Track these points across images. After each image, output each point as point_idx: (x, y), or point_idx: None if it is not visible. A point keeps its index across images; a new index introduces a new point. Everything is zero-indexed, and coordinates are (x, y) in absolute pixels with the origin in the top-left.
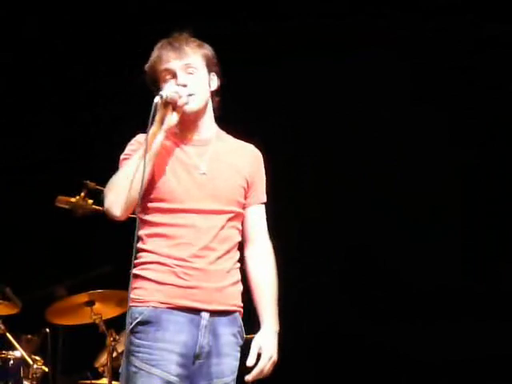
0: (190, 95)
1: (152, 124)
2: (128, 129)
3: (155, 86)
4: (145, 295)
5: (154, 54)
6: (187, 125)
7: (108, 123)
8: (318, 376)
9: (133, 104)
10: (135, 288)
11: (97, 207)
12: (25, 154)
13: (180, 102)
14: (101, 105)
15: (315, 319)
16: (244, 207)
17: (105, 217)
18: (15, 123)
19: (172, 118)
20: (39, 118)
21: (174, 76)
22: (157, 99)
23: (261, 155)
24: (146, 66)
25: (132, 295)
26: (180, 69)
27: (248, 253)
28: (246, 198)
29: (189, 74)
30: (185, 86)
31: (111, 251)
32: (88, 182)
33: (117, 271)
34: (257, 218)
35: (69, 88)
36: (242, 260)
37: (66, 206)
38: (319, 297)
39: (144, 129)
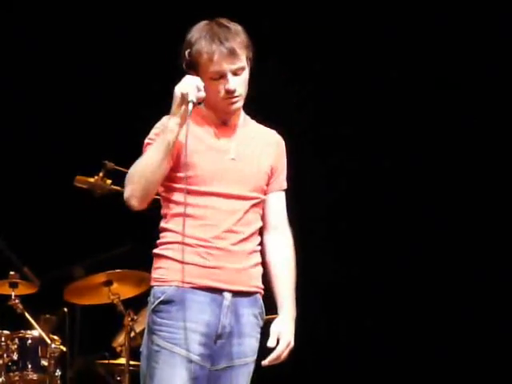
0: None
1: (188, 125)
2: (147, 110)
3: (192, 72)
4: (167, 275)
5: (201, 44)
6: (218, 110)
7: (128, 103)
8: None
9: (152, 87)
10: (157, 268)
11: (115, 187)
12: (44, 134)
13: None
14: (120, 86)
15: None
16: (265, 193)
17: (122, 197)
18: (35, 103)
19: (189, 108)
20: (59, 98)
21: (223, 77)
22: (191, 106)
23: (283, 141)
24: (189, 53)
25: (154, 275)
26: (231, 72)
27: (268, 238)
28: (268, 184)
29: (237, 75)
30: (235, 90)
31: (129, 231)
32: (107, 162)
33: (135, 251)
34: (278, 204)
35: (90, 69)
36: (261, 245)
37: (85, 186)
38: None
39: (163, 113)
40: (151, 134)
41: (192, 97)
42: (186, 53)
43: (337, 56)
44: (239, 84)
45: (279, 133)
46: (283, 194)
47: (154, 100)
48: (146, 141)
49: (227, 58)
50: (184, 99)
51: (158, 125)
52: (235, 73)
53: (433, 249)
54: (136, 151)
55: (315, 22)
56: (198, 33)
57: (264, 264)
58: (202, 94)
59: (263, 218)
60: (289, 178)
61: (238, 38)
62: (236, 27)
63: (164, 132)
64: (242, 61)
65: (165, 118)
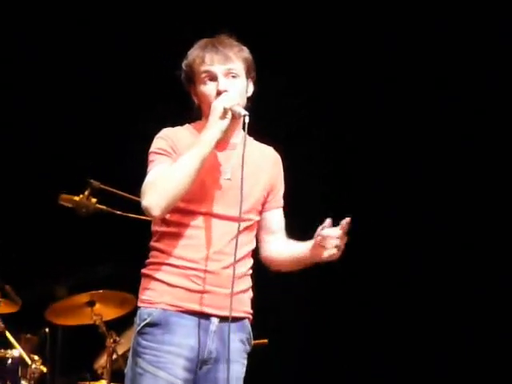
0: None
1: (245, 145)
2: (132, 128)
3: (190, 84)
4: (154, 296)
5: (195, 52)
6: None
7: (112, 121)
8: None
9: (139, 106)
10: (145, 288)
11: (100, 206)
12: (28, 151)
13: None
14: (107, 105)
15: None
16: (261, 214)
17: (108, 216)
18: (19, 119)
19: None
20: (43, 115)
21: (214, 79)
22: (247, 119)
23: (280, 158)
24: (184, 64)
25: (141, 295)
26: (222, 73)
27: (269, 241)
28: (265, 203)
29: (230, 78)
30: (225, 91)
31: (114, 251)
32: (92, 180)
33: (119, 271)
34: (277, 222)
35: (73, 85)
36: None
37: (70, 205)
38: None
39: (150, 133)
40: (159, 145)
41: (241, 110)
42: (183, 65)
43: (336, 70)
44: (233, 89)
45: (276, 148)
46: (281, 211)
47: (141, 120)
48: (155, 150)
49: (219, 59)
50: (226, 113)
51: (164, 136)
52: (228, 76)
53: (433, 253)
54: (122, 170)
55: (312, 35)
56: (196, 45)
57: (272, 262)
58: (244, 111)
59: (261, 234)
60: (286, 194)
61: (235, 48)
62: (239, 43)
63: (199, 144)
64: (236, 65)
65: (168, 131)
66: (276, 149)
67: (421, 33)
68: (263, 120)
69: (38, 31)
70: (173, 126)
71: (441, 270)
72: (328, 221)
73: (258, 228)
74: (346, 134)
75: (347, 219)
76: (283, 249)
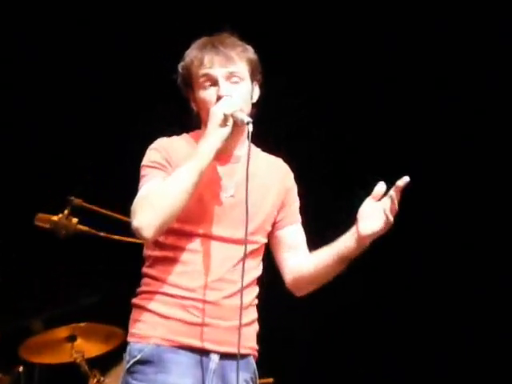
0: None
1: (249, 157)
2: (132, 128)
3: (188, 89)
4: (146, 330)
5: (193, 53)
6: None
7: (94, 134)
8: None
9: (136, 102)
10: (136, 321)
11: (82, 227)
12: (2, 166)
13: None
14: (105, 103)
15: None
16: (275, 231)
17: (91, 238)
18: (18, 119)
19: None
20: (20, 126)
21: (214, 84)
22: (251, 128)
23: (290, 171)
24: (181, 66)
25: (132, 329)
26: (223, 77)
27: (288, 257)
28: (276, 221)
29: (232, 83)
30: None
31: (98, 278)
32: (73, 198)
33: (104, 302)
34: (296, 236)
35: (73, 85)
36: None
37: (47, 226)
38: None
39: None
40: (152, 158)
41: (244, 116)
42: (179, 67)
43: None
44: (237, 94)
45: (276, 148)
46: (300, 227)
47: (141, 120)
48: (147, 164)
49: (219, 60)
50: (226, 120)
51: (159, 147)
52: (231, 80)
53: (433, 253)
54: (106, 187)
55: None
56: (194, 45)
57: (299, 280)
58: (248, 118)
59: (279, 256)
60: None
61: (238, 47)
62: (242, 43)
63: (196, 156)
64: (239, 68)
65: (163, 141)
66: (276, 148)
67: (421, 33)
68: (263, 120)
69: (38, 31)
70: (173, 126)
71: (441, 270)
72: (381, 183)
73: (275, 250)
74: (345, 134)
75: (405, 178)
76: (309, 260)
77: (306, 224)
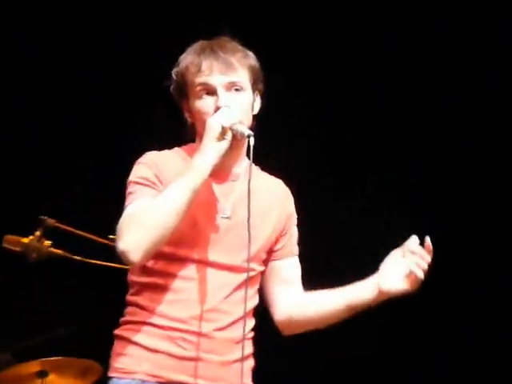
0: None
1: (250, 173)
2: (114, 142)
3: (182, 98)
4: (130, 364)
5: (189, 58)
6: None
7: (94, 134)
8: None
9: (136, 102)
10: (118, 354)
11: (55, 250)
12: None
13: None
14: (105, 103)
15: None
16: (270, 260)
17: (65, 263)
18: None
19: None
20: (43, 114)
21: (212, 93)
22: (252, 141)
23: (291, 196)
24: (175, 72)
25: (114, 363)
26: (222, 86)
27: (285, 295)
28: (274, 250)
29: (233, 92)
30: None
31: (74, 307)
32: (46, 218)
33: (80, 333)
34: (293, 270)
35: (73, 85)
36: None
37: (17, 248)
38: None
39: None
40: (140, 173)
41: (244, 129)
42: (173, 73)
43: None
44: (237, 105)
45: (275, 148)
46: (297, 260)
47: (141, 120)
48: (134, 180)
49: (219, 68)
50: (224, 133)
51: (149, 162)
52: (229, 89)
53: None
54: (81, 205)
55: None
56: (189, 49)
57: (292, 322)
58: (248, 131)
59: (269, 289)
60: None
61: (239, 53)
62: (243, 48)
63: (190, 172)
64: (240, 77)
65: (152, 155)
66: (276, 149)
67: (421, 33)
68: (263, 120)
69: (38, 31)
70: (172, 127)
71: (440, 270)
72: (414, 238)
73: (265, 280)
74: (346, 134)
75: (427, 240)
76: (306, 301)
77: (306, 225)
